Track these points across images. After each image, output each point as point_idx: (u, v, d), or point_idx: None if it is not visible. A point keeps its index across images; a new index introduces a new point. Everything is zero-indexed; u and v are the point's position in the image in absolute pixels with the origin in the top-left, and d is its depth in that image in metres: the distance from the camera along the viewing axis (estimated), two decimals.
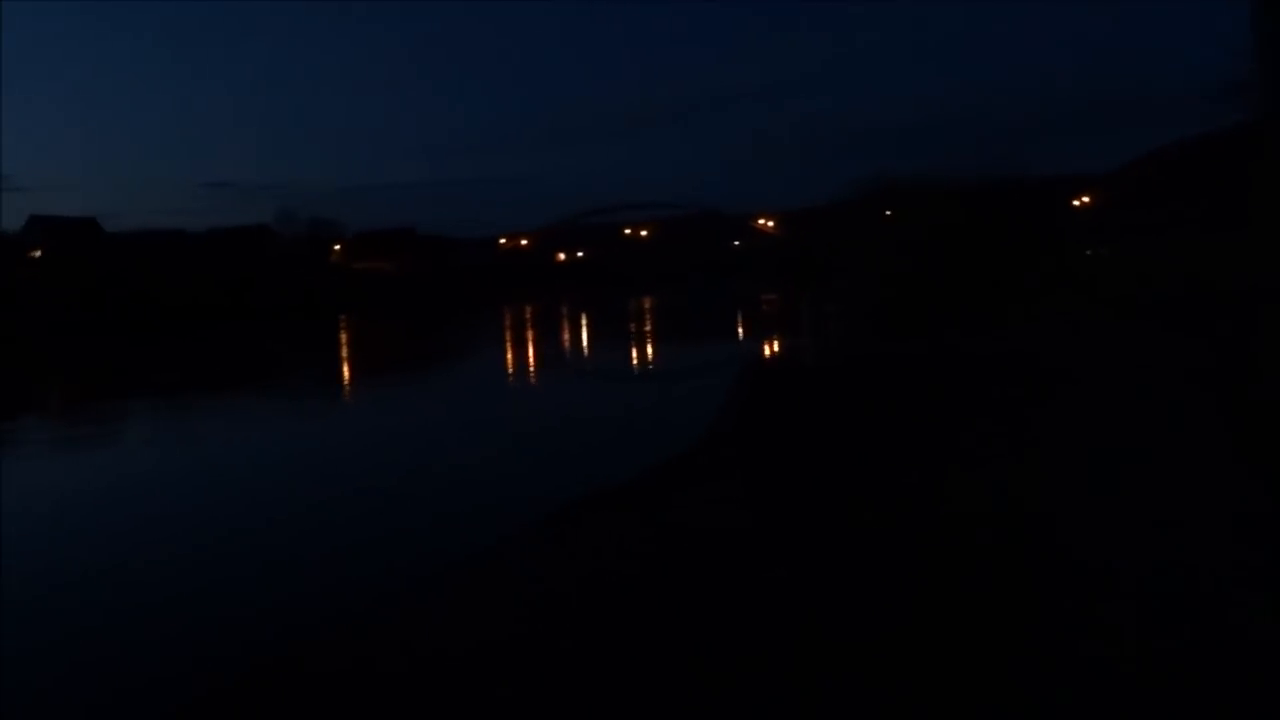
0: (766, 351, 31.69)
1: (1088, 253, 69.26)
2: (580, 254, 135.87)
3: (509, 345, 47.58)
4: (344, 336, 59.53)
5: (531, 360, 40.33)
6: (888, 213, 39.26)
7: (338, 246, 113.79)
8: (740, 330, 47.53)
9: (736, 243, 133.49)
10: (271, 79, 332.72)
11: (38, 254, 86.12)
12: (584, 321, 62.12)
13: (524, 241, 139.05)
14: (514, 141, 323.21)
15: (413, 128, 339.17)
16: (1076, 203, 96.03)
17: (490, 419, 23.23)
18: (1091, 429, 12.26)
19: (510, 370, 36.34)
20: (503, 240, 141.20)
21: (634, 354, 39.23)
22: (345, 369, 40.22)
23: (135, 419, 27.54)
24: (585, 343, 48.77)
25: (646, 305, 73.67)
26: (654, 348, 42.01)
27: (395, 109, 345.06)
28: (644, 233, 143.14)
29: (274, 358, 46.39)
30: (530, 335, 54.03)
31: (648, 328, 53.82)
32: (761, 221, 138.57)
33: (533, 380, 34.03)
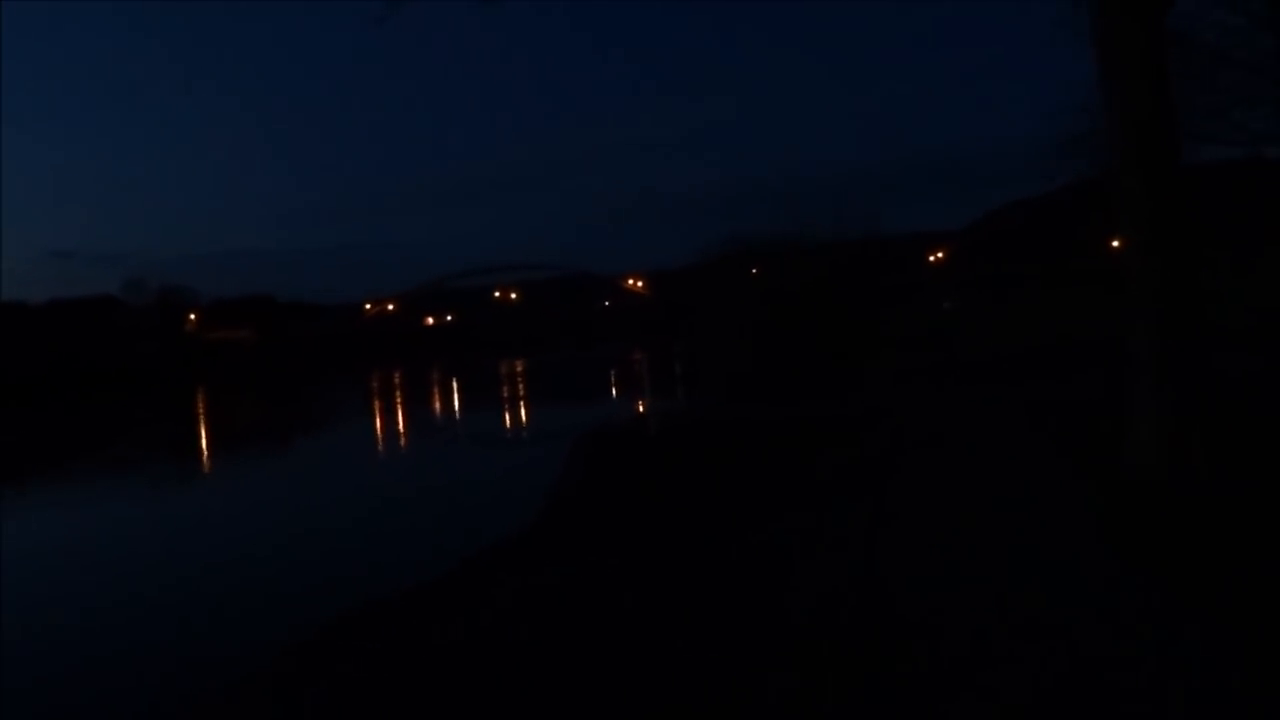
0: (614, 416, 30.91)
1: (945, 305, 72.10)
2: (449, 317, 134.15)
3: (373, 413, 46.08)
4: (199, 408, 56.79)
5: (392, 428, 39.17)
6: (752, 271, 39.77)
7: (192, 316, 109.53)
8: (609, 391, 47.12)
9: (607, 303, 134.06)
10: (118, 145, 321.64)
11: None
12: (453, 386, 60.91)
13: (390, 306, 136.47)
14: (377, 206, 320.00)
15: (271, 194, 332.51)
16: (932, 258, 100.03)
17: (327, 498, 22.00)
18: (948, 509, 10.67)
19: (368, 440, 35.03)
20: (368, 305, 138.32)
21: (501, 418, 38.44)
22: (194, 443, 38.08)
23: None
24: (453, 408, 47.65)
25: (518, 368, 72.84)
26: (521, 411, 41.31)
27: (251, 176, 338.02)
28: (513, 295, 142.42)
29: (121, 431, 43.74)
30: (397, 401, 52.60)
31: (517, 391, 53.06)
32: (631, 281, 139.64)
33: (387, 450, 32.79)
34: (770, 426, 20.37)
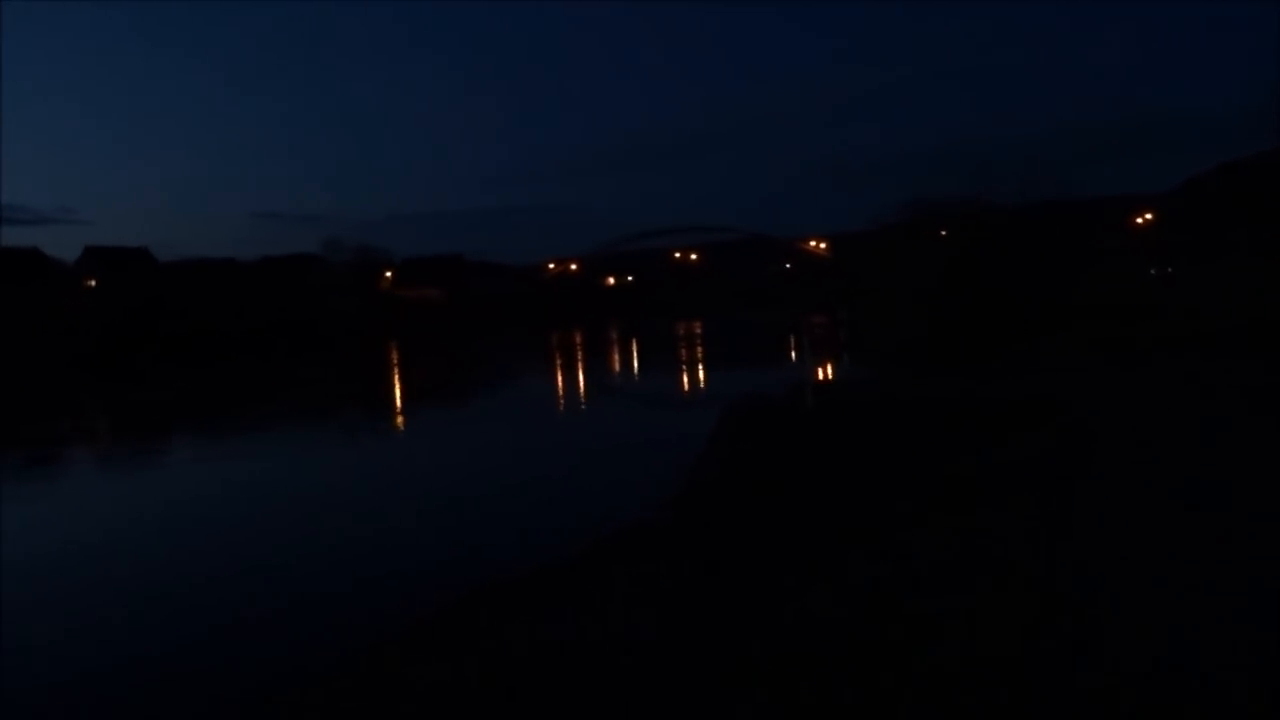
0: (777, 382, 30.08)
1: (1151, 272, 67.38)
2: (629, 278, 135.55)
3: (549, 371, 47.04)
4: (389, 363, 59.38)
5: (563, 387, 39.87)
6: (935, 234, 38.16)
7: (387, 274, 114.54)
8: (779, 356, 46.44)
9: (787, 265, 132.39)
10: (324, 111, 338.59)
11: (93, 283, 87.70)
12: (627, 346, 61.59)
13: (572, 266, 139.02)
14: (563, 169, 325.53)
15: (463, 157, 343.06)
16: (1138, 221, 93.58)
17: (489, 459, 22.54)
18: (1154, 527, 8.54)
19: (539, 398, 35.76)
20: (550, 265, 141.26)
21: (669, 379, 38.50)
22: (380, 398, 39.79)
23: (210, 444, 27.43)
24: (625, 368, 48.13)
25: (696, 329, 72.94)
26: (690, 373, 41.30)
27: (445, 139, 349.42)
28: (693, 256, 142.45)
29: (327, 385, 46.14)
30: (573, 360, 53.57)
31: (689, 353, 53.06)
32: (811, 244, 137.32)
33: (555, 409, 33.27)
34: (943, 404, 18.97)
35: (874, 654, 6.58)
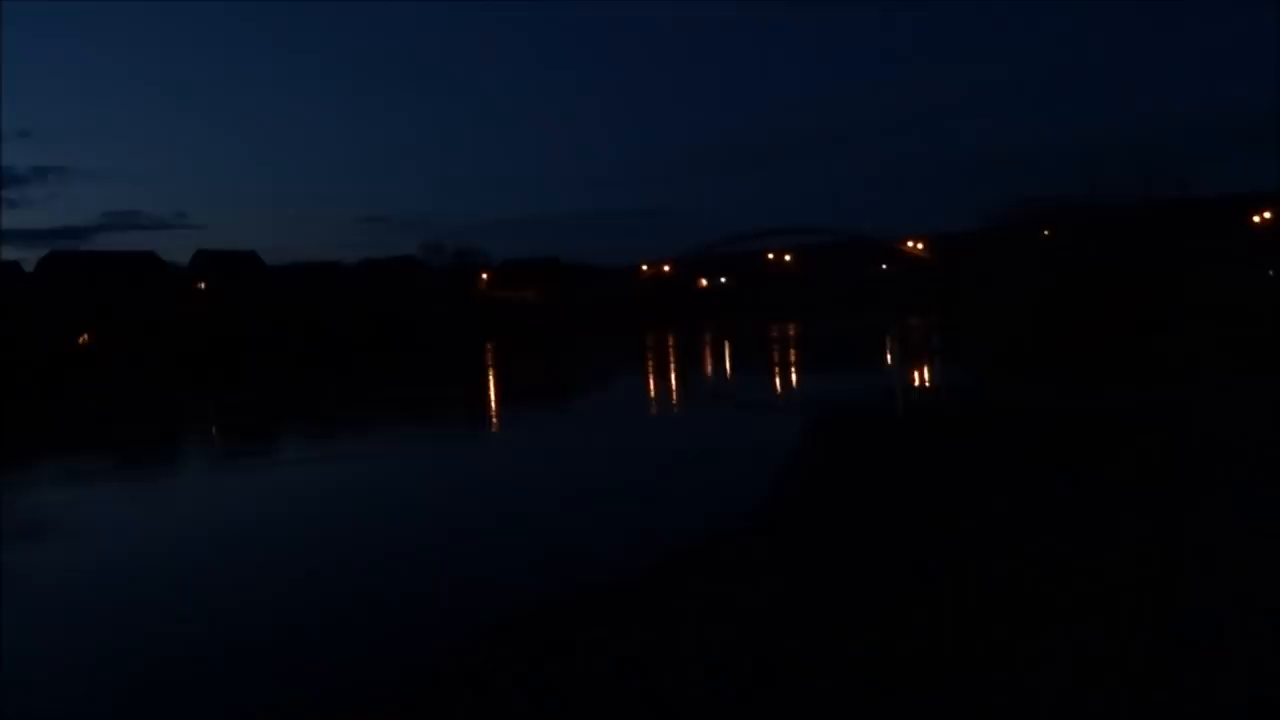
0: (870, 389, 29.20)
1: (1270, 273, 64.12)
2: (723, 280, 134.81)
3: (641, 374, 46.93)
4: (483, 366, 60.03)
5: (655, 390, 39.76)
6: (1041, 235, 36.93)
7: (484, 276, 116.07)
8: (874, 360, 45.53)
9: (884, 266, 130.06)
10: (430, 115, 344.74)
11: (203, 286, 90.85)
12: (720, 349, 61.20)
13: (665, 268, 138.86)
14: (662, 172, 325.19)
15: (564, 160, 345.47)
16: (1257, 219, 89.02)
17: (576, 463, 22.59)
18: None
19: (630, 402, 35.75)
20: (644, 267, 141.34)
21: (761, 383, 38.05)
22: (473, 401, 40.20)
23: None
24: (717, 371, 47.76)
25: (790, 333, 72.16)
26: (782, 377, 40.77)
27: (547, 142, 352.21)
28: (787, 258, 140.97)
29: (424, 388, 46.85)
30: (665, 363, 53.44)
31: (782, 356, 52.41)
32: (910, 244, 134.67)
33: (645, 413, 33.15)
34: (1043, 417, 17.96)
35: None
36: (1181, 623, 6.92)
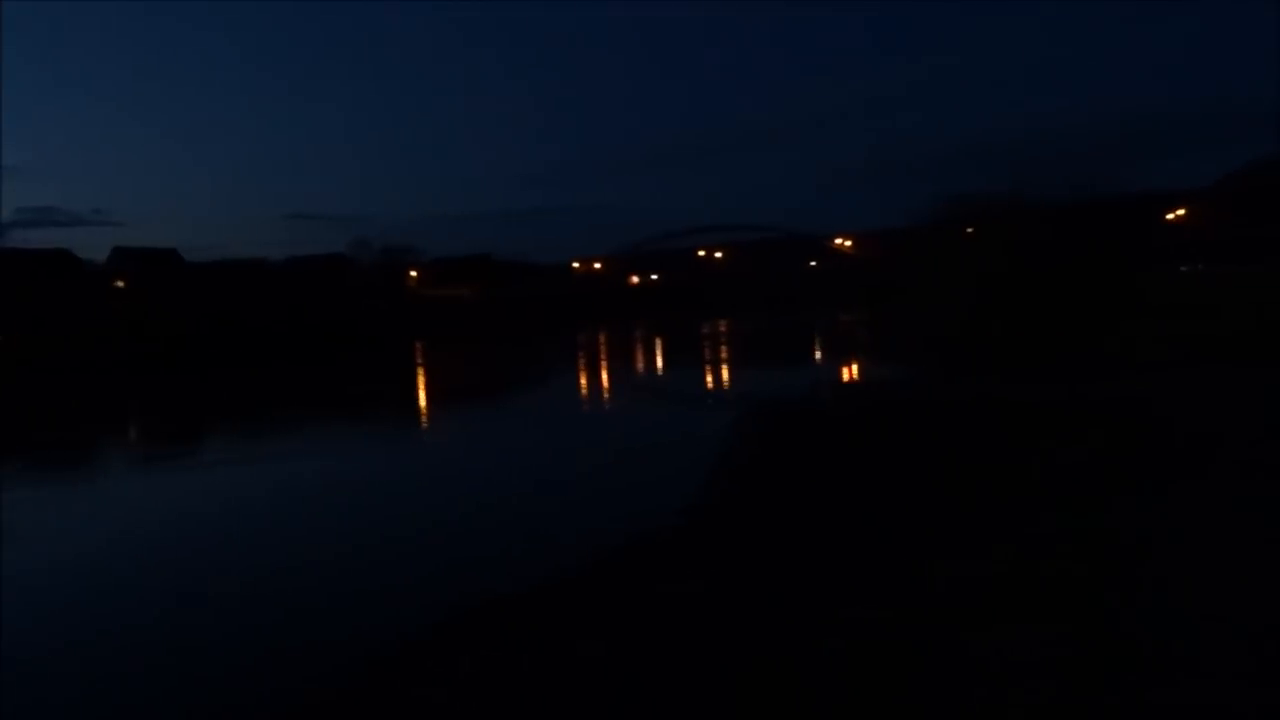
0: (797, 384, 29.20)
1: (1183, 269, 66.02)
2: (654, 277, 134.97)
3: (572, 371, 46.54)
4: (413, 364, 59.04)
5: (585, 387, 39.45)
6: (968, 230, 37.29)
7: (414, 273, 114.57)
8: (803, 356, 45.73)
9: (814, 263, 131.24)
10: (357, 111, 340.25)
11: (121, 284, 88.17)
12: (652, 346, 61.08)
13: (598, 265, 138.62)
14: (596, 170, 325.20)
15: (496, 158, 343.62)
16: (1171, 216, 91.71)
17: (530, 454, 22.11)
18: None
19: (562, 399, 35.35)
20: (576, 265, 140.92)
21: (691, 379, 37.91)
22: (402, 399, 39.42)
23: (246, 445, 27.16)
24: (648, 368, 47.55)
25: (722, 329, 72.34)
26: (712, 373, 40.70)
27: (480, 140, 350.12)
28: (719, 255, 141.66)
29: (350, 386, 45.86)
30: (596, 361, 53.12)
31: (712, 352, 52.40)
32: (839, 242, 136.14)
33: (575, 409, 32.73)
34: (976, 410, 17.84)
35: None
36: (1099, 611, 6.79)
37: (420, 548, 13.72)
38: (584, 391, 37.77)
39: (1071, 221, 27.87)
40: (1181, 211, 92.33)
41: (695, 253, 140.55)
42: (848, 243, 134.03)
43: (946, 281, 30.41)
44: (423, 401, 38.47)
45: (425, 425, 31.35)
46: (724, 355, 50.86)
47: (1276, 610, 6.68)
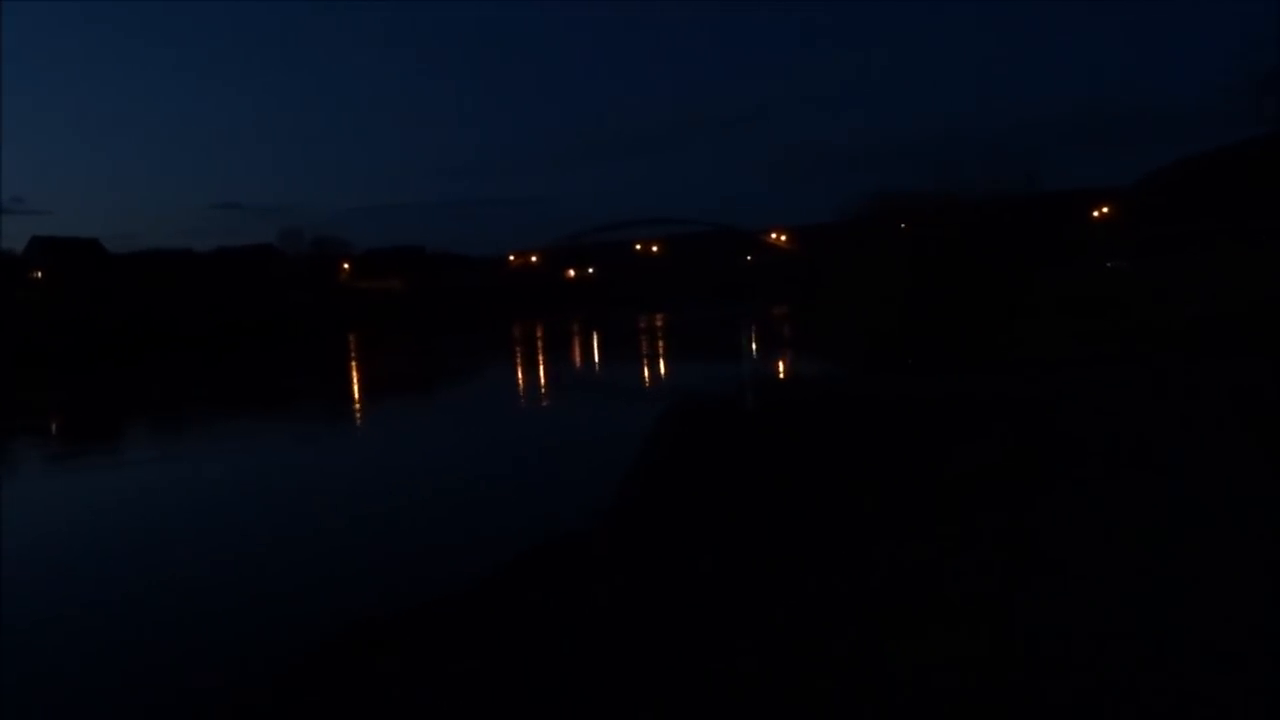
0: (724, 378, 29.32)
1: (1108, 265, 67.47)
2: (590, 271, 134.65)
3: (504, 365, 46.18)
4: (345, 357, 58.10)
5: (518, 381, 39.22)
6: (899, 227, 37.70)
7: (345, 265, 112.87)
8: (735, 349, 45.98)
9: (749, 258, 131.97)
10: (285, 101, 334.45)
11: (39, 274, 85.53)
12: (588, 340, 60.88)
13: (533, 258, 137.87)
14: (529, 162, 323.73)
15: (428, 149, 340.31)
16: (1096, 214, 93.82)
17: (456, 451, 21.94)
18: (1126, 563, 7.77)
19: (491, 393, 35.16)
20: (512, 258, 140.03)
21: (625, 372, 37.89)
22: (332, 393, 38.74)
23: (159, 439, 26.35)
24: (583, 361, 47.37)
25: (658, 323, 72.35)
26: (648, 366, 40.72)
27: (410, 131, 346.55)
28: (655, 249, 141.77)
29: (277, 380, 44.95)
30: (531, 354, 52.78)
31: (648, 346, 52.39)
32: (774, 236, 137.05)
33: (506, 404, 32.47)
34: (898, 405, 17.93)
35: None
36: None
37: (310, 556, 13.27)
38: (514, 387, 37.48)
39: (989, 218, 28.32)
40: (1104, 210, 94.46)
41: (632, 246, 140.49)
42: (783, 237, 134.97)
43: (868, 277, 30.73)
44: (348, 397, 37.80)
45: (346, 422, 30.78)
46: (658, 349, 50.85)
47: None
